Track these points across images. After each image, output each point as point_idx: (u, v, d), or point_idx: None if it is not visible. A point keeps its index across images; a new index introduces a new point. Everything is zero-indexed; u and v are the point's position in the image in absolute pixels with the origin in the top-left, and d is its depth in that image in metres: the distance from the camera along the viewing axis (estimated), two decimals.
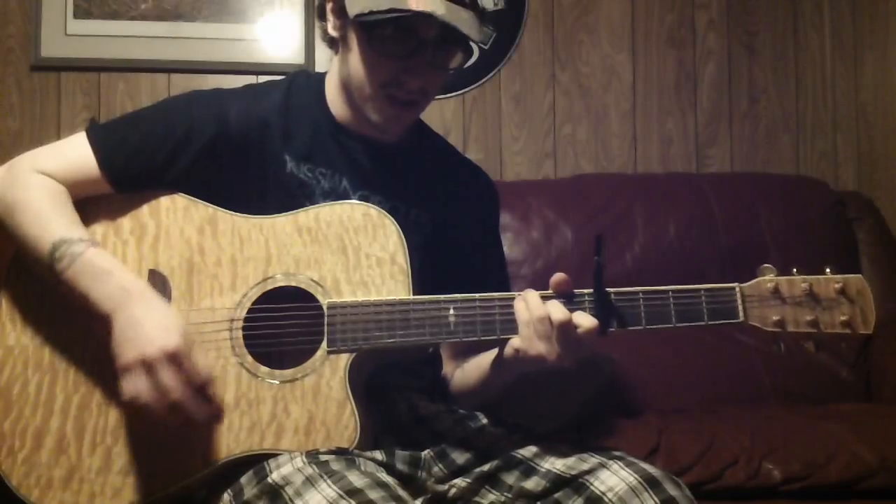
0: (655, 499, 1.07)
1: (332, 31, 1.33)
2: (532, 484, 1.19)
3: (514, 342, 1.17)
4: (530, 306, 1.15)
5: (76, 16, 2.32)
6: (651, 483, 1.10)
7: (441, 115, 2.44)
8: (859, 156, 2.57)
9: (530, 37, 2.50)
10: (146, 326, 1.12)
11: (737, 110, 2.55)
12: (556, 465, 1.19)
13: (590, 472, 1.15)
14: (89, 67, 2.34)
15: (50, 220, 1.19)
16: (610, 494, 1.10)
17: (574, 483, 1.15)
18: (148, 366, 1.10)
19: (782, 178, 2.41)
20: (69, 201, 1.24)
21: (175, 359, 1.11)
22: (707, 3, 2.55)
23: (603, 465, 1.15)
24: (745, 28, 2.56)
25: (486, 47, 2.45)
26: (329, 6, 1.32)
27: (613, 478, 1.12)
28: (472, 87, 2.47)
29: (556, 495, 1.16)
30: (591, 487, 1.13)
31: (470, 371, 1.39)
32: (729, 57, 2.55)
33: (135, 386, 1.11)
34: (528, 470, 1.20)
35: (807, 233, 2.21)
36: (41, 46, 2.31)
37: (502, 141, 2.49)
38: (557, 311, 1.13)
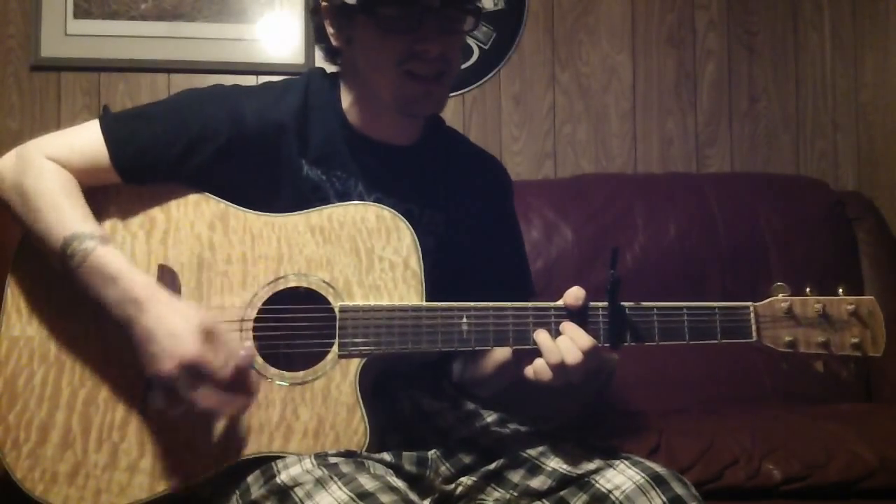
0: (663, 497, 1.09)
1: (335, 43, 1.31)
2: (538, 482, 1.20)
3: (528, 372, 1.17)
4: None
5: (76, 16, 2.32)
6: (658, 481, 1.11)
7: (441, 115, 2.43)
8: (859, 156, 2.57)
9: (530, 37, 2.50)
10: (160, 337, 1.09)
11: (737, 110, 2.55)
12: (561, 464, 1.20)
13: (596, 471, 1.16)
14: (89, 67, 2.33)
15: (63, 213, 1.17)
16: (616, 493, 1.11)
17: (579, 482, 1.16)
18: (171, 378, 1.09)
19: (782, 178, 2.41)
20: (80, 192, 1.22)
21: (195, 366, 1.08)
22: (707, 3, 2.55)
23: (609, 465, 1.16)
24: (745, 28, 2.56)
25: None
26: (327, 21, 1.31)
27: (620, 476, 1.13)
28: (472, 87, 2.47)
29: (562, 493, 1.17)
30: (597, 485, 1.14)
31: (484, 368, 1.37)
32: (729, 57, 2.56)
33: (164, 396, 1.11)
34: (534, 468, 1.21)
35: (807, 233, 2.21)
36: (41, 46, 2.30)
37: (502, 141, 2.48)
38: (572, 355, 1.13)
